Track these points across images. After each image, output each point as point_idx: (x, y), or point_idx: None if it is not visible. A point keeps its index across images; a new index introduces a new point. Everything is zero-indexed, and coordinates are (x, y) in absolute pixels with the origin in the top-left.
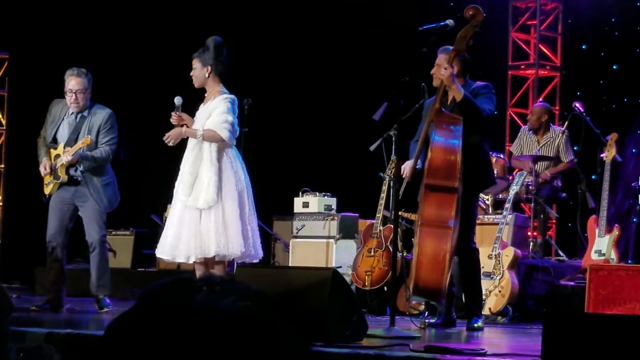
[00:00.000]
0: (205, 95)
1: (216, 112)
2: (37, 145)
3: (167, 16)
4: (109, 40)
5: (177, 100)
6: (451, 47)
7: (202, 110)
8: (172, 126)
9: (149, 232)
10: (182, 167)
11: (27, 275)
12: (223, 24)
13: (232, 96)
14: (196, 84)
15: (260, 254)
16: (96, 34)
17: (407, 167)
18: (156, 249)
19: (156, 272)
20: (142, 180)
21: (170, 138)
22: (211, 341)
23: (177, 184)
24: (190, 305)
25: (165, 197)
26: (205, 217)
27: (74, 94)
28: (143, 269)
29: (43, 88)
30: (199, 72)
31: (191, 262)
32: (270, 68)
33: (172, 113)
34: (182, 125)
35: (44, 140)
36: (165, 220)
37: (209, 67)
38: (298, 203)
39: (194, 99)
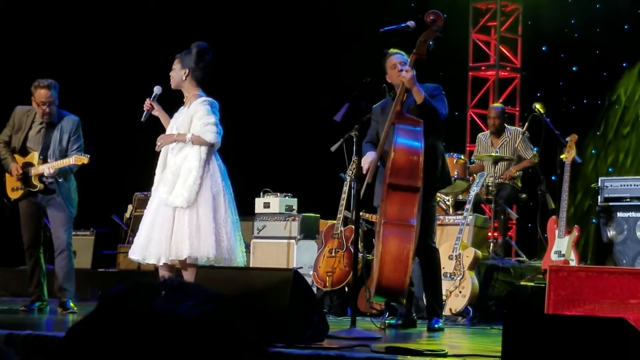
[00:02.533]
0: (184, 99)
1: (197, 117)
2: None
3: (126, 17)
4: (67, 42)
5: (157, 89)
6: (398, 52)
7: (184, 113)
8: (141, 125)
9: (110, 232)
10: (160, 167)
11: None
12: (180, 25)
13: (210, 99)
14: (173, 84)
15: (238, 259)
16: (51, 36)
17: (368, 163)
18: (129, 251)
19: (116, 273)
20: (103, 180)
21: (162, 143)
22: (171, 346)
23: (156, 185)
24: (149, 310)
25: (125, 197)
26: (178, 218)
27: (47, 107)
28: (103, 270)
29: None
30: (177, 73)
31: (161, 263)
32: (230, 68)
33: (147, 99)
34: (151, 110)
35: (6, 145)
36: (125, 221)
37: (187, 70)
38: (259, 204)
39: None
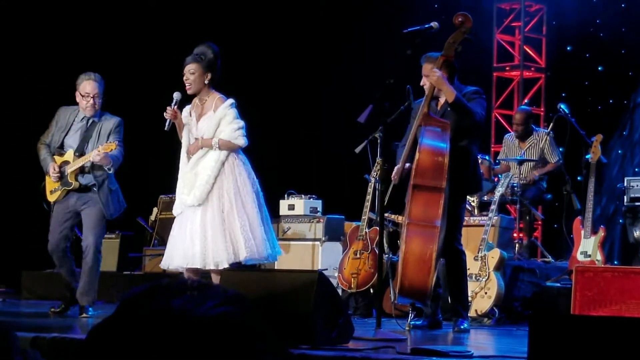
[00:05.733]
0: (199, 102)
1: (226, 121)
2: (38, 151)
3: (151, 18)
4: (90, 44)
5: (176, 95)
6: (433, 53)
7: (207, 119)
8: (162, 122)
9: (135, 235)
10: (182, 171)
11: (14, 279)
12: (206, 23)
13: (233, 100)
14: (193, 89)
15: (268, 253)
16: (77, 36)
17: (395, 172)
18: (172, 259)
19: (142, 276)
20: (128, 183)
21: (191, 153)
22: (190, 347)
23: (179, 189)
24: (169, 311)
25: (151, 200)
26: (230, 221)
27: (91, 98)
28: (129, 272)
29: (27, 91)
30: (200, 77)
31: (222, 268)
32: (255, 69)
33: (168, 107)
34: (175, 118)
35: (47, 146)
36: (151, 224)
37: (210, 75)
38: (284, 205)
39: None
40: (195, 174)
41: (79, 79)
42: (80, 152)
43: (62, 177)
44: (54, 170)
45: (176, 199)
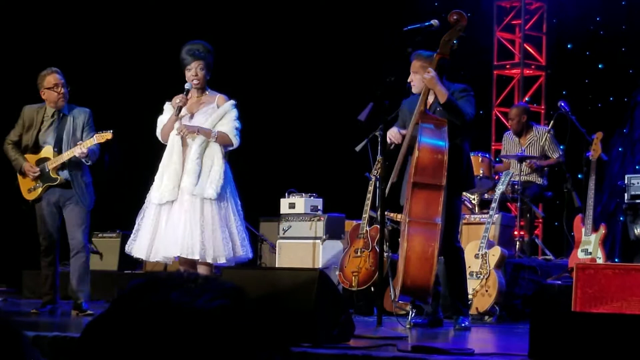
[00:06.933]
0: (197, 96)
1: (228, 118)
2: (5, 152)
3: (144, 15)
4: (82, 40)
5: (188, 85)
6: (424, 52)
7: (205, 113)
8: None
9: None
10: (175, 162)
11: (15, 279)
12: (204, 23)
13: (235, 102)
14: (200, 85)
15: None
16: (68, 33)
17: (393, 134)
18: (167, 249)
19: (142, 274)
20: (128, 182)
21: (186, 131)
22: (188, 340)
23: (161, 179)
24: (166, 304)
25: None
26: (228, 218)
27: (61, 87)
28: (130, 271)
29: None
30: (204, 75)
31: (219, 262)
32: (255, 68)
33: (181, 95)
34: (180, 109)
35: (14, 145)
36: None
37: (209, 73)
38: (284, 204)
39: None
40: (198, 164)
41: (40, 77)
42: (58, 147)
43: (42, 174)
44: (32, 169)
45: (155, 188)
